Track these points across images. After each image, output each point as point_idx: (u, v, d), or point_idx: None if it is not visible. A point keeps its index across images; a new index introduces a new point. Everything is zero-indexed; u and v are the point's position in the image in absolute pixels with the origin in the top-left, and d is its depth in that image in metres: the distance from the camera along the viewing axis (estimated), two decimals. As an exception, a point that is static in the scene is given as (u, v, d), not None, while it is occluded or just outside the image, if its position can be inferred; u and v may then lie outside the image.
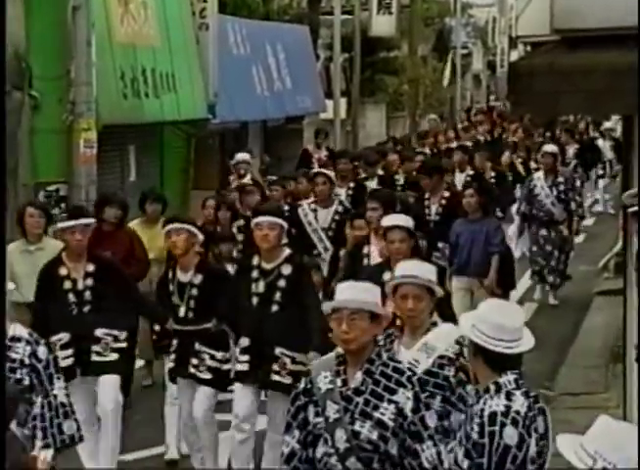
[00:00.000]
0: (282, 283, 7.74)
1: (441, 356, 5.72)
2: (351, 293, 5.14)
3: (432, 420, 5.20)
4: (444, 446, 5.03)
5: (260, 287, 7.78)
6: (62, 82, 13.12)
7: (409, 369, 5.20)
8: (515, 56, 34.72)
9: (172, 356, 8.27)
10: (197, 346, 8.11)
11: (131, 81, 14.66)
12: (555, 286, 14.34)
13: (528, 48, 8.37)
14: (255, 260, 7.86)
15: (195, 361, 8.10)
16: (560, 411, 9.61)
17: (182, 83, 16.23)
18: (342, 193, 12.67)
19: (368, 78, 28.63)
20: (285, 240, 8.12)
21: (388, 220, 8.11)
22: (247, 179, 13.74)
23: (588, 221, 21.47)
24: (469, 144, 19.95)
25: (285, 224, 7.98)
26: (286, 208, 11.63)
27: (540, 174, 14.48)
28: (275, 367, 7.73)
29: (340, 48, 24.93)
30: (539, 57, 6.78)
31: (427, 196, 12.18)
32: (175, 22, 16.41)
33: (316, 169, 12.14)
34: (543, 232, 14.16)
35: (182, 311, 8.21)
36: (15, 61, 12.90)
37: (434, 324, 5.83)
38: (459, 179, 14.35)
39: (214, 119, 17.31)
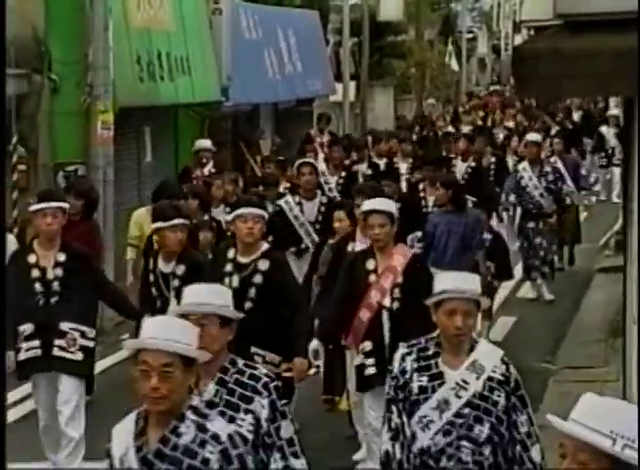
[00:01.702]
0: (258, 279, 7.10)
1: (490, 378, 4.93)
2: (200, 296, 4.54)
3: (286, 431, 4.55)
4: (296, 459, 4.56)
5: (234, 281, 7.11)
6: (80, 66, 13.11)
7: (267, 376, 4.60)
8: (519, 40, 34.57)
9: None
10: None
11: (147, 65, 14.64)
12: (547, 277, 13.34)
13: (532, 32, 8.33)
14: (231, 253, 7.22)
15: None
16: (561, 384, 9.62)
17: (196, 67, 16.20)
18: (332, 181, 12.22)
19: (376, 62, 28.54)
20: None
21: (368, 204, 7.47)
22: (208, 168, 12.89)
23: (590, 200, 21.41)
24: (465, 129, 19.75)
25: (266, 216, 7.39)
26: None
27: (526, 165, 13.27)
28: None
29: (349, 33, 24.85)
30: (543, 41, 6.75)
31: (422, 187, 11.58)
32: (189, 7, 16.38)
33: (302, 159, 11.30)
34: (531, 225, 13.19)
35: (162, 303, 7.57)
36: (35, 45, 12.90)
37: (475, 340, 5.09)
38: (460, 168, 13.70)
39: (227, 102, 17.27)
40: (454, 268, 9.90)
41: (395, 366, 5.00)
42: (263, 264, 7.11)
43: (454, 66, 35.58)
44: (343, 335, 7.39)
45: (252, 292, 7.08)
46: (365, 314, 7.23)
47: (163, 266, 7.63)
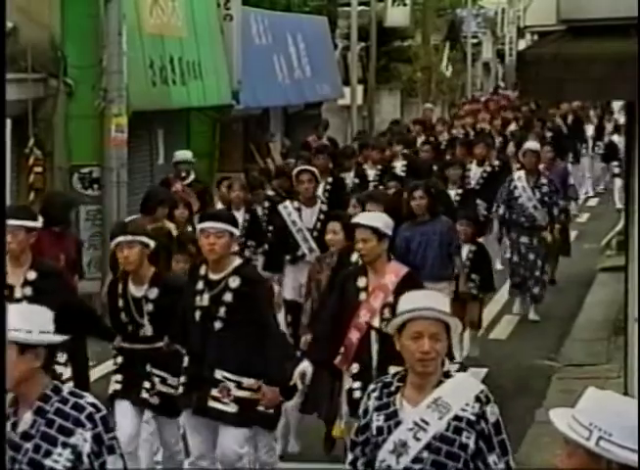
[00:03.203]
0: (228, 297, 6.50)
1: (458, 417, 4.16)
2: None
3: (114, 467, 3.97)
4: None
5: (205, 300, 6.54)
6: (95, 70, 13.15)
7: (93, 405, 3.97)
8: (523, 45, 34.56)
9: (119, 377, 6.98)
10: (148, 367, 6.89)
11: (160, 70, 14.66)
12: (537, 298, 12.33)
13: (536, 37, 8.31)
14: (203, 270, 6.62)
15: (147, 384, 6.88)
16: (565, 382, 9.62)
17: (207, 71, 16.22)
18: (319, 188, 11.52)
19: (383, 66, 28.56)
20: (236, 248, 6.93)
21: (358, 217, 7.06)
22: (188, 182, 12.12)
23: (592, 202, 21.40)
24: (459, 134, 19.52)
25: (235, 231, 6.69)
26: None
27: (522, 174, 12.23)
28: (214, 393, 6.47)
29: (356, 38, 24.87)
30: (546, 46, 6.75)
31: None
32: (201, 13, 16.40)
33: (301, 166, 10.82)
34: (524, 239, 12.10)
35: (134, 328, 6.93)
36: (51, 50, 12.94)
37: (447, 374, 4.30)
38: (475, 173, 13.30)
39: (238, 105, 17.29)
40: (436, 280, 9.37)
41: (361, 406, 4.36)
42: (234, 281, 6.51)
43: (446, 72, 35.41)
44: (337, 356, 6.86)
45: (222, 311, 6.50)
46: (354, 335, 6.76)
47: (135, 290, 6.94)
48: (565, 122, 22.10)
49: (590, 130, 22.02)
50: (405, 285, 6.55)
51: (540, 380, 9.83)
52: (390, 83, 29.53)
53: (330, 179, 11.97)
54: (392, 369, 6.34)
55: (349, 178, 13.46)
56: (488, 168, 13.44)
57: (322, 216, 10.15)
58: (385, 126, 24.89)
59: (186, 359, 6.58)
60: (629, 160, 7.66)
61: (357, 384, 6.70)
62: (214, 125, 17.61)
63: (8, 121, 11.64)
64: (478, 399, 4.18)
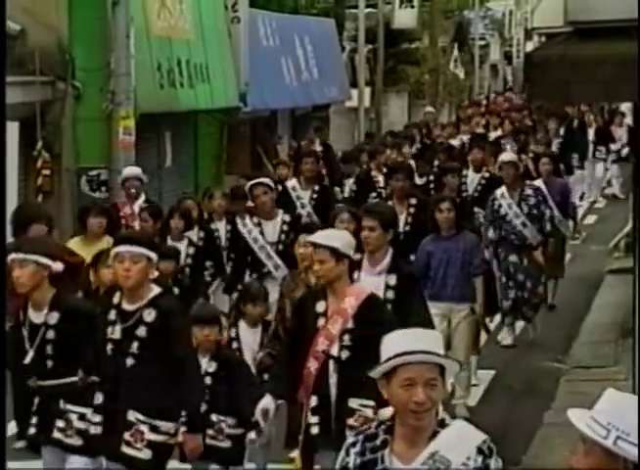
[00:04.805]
0: (141, 331, 5.80)
1: None
2: None
3: None
4: None
5: (117, 332, 5.84)
6: (102, 73, 13.19)
7: None
8: (530, 47, 34.55)
9: (34, 420, 6.19)
10: (62, 404, 6.09)
11: (167, 72, 14.70)
12: (530, 319, 11.26)
13: (543, 39, 8.31)
14: (116, 298, 5.91)
15: (61, 424, 6.08)
16: (573, 384, 9.61)
17: (215, 74, 16.25)
18: (305, 197, 11.04)
19: (391, 69, 28.58)
20: (155, 275, 6.06)
21: (314, 236, 6.39)
22: (140, 202, 10.62)
23: (600, 204, 21.37)
24: (464, 138, 19.41)
25: (154, 257, 5.89)
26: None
27: (503, 190, 11.00)
28: (127, 437, 5.78)
29: (364, 40, 24.90)
30: (553, 48, 6.77)
31: (390, 204, 9.79)
32: (209, 15, 16.43)
33: (255, 180, 9.83)
34: (513, 258, 10.96)
35: (41, 361, 6.08)
36: (59, 53, 12.98)
37: (442, 423, 3.72)
38: (472, 179, 12.51)
39: (246, 108, 17.32)
40: (457, 301, 8.77)
41: (337, 463, 3.76)
42: (149, 315, 5.81)
43: (460, 74, 35.43)
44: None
45: (135, 347, 5.81)
46: (313, 365, 6.12)
47: (34, 316, 6.11)
48: (569, 127, 21.85)
49: (591, 134, 21.78)
50: (367, 309, 6.10)
51: (548, 382, 9.82)
52: (398, 85, 29.54)
53: (317, 188, 11.25)
54: (353, 402, 6.00)
55: (349, 185, 13.06)
56: (487, 174, 12.62)
57: (286, 227, 9.56)
58: (392, 128, 24.86)
59: (99, 397, 5.89)
60: (637, 160, 7.66)
61: (315, 419, 6.07)
62: (222, 128, 17.64)
63: (16, 124, 11.68)
64: (480, 450, 3.59)
